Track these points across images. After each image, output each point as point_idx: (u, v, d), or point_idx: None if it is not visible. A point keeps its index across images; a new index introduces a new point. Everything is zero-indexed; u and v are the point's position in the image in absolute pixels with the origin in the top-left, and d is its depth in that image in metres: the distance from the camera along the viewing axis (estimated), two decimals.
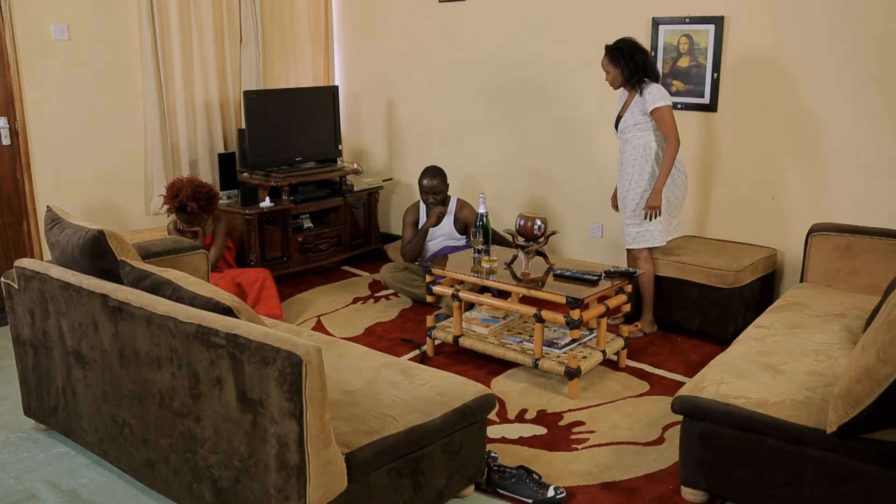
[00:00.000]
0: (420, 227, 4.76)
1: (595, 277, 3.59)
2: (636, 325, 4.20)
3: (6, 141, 4.48)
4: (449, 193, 4.82)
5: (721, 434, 2.57)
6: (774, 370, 2.73)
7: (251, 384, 2.20)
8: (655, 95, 3.84)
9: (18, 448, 3.13)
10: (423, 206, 4.82)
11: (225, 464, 2.35)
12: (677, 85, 4.43)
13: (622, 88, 4.00)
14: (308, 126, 5.38)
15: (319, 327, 4.40)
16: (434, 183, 4.68)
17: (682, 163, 4.05)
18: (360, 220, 5.65)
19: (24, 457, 3.06)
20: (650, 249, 4.12)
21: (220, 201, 4.99)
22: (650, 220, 3.95)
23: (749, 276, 3.99)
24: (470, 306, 4.23)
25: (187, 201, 4.31)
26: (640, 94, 3.87)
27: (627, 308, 3.78)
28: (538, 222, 3.66)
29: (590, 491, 2.78)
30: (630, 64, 3.85)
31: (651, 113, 3.86)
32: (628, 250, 4.15)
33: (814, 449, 2.40)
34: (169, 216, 4.57)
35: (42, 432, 3.25)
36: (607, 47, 3.92)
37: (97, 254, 2.72)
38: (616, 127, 4.04)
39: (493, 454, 2.86)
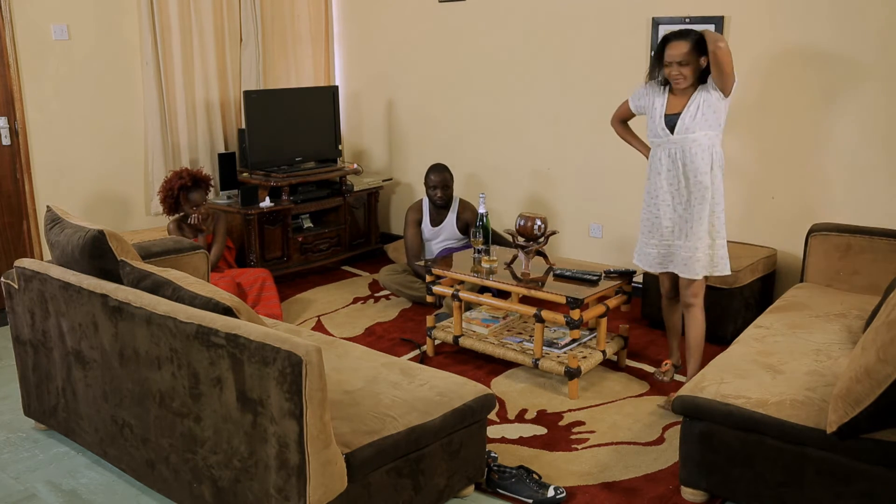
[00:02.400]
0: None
1: (595, 277, 3.59)
2: (666, 364, 3.63)
3: (6, 141, 4.48)
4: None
5: (721, 434, 2.57)
6: (774, 370, 2.73)
7: (251, 384, 2.20)
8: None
9: (18, 448, 3.13)
10: (425, 205, 4.83)
11: (225, 464, 2.35)
12: None
13: (651, 85, 3.36)
14: (308, 126, 5.38)
15: (319, 327, 4.40)
16: (444, 177, 4.71)
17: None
18: (360, 220, 5.65)
19: (24, 457, 3.06)
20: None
21: (220, 201, 5.00)
22: None
23: (749, 276, 3.99)
24: (470, 306, 4.23)
25: (195, 173, 4.39)
26: (707, 86, 3.25)
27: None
28: (538, 222, 3.66)
29: (590, 491, 2.78)
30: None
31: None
32: (691, 281, 3.36)
33: (814, 449, 2.40)
34: (170, 216, 4.56)
35: (42, 432, 3.25)
36: (684, 33, 3.21)
37: (97, 254, 2.72)
38: (670, 129, 3.25)
39: (493, 454, 2.86)
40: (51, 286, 2.86)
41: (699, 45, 3.18)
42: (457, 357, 3.95)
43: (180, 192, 4.39)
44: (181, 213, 4.49)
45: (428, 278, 3.97)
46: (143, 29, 4.88)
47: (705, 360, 3.61)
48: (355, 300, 4.88)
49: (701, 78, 3.26)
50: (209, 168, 5.23)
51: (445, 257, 4.30)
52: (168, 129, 5.08)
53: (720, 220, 3.29)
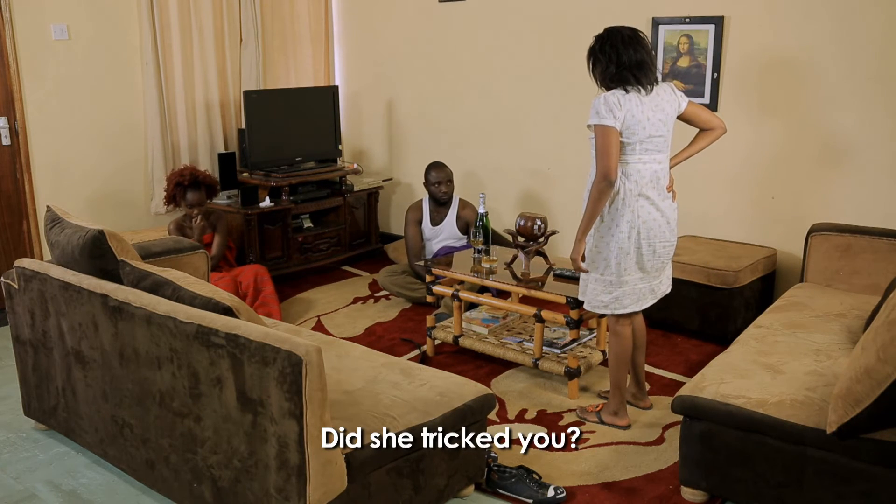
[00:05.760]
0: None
1: None
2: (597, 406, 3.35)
3: (6, 141, 4.48)
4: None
5: (721, 434, 2.57)
6: (774, 370, 2.73)
7: (251, 384, 2.20)
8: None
9: (18, 448, 3.13)
10: (426, 204, 4.84)
11: (225, 464, 2.35)
12: (677, 85, 4.41)
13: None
14: (308, 126, 5.37)
15: (319, 327, 4.40)
16: (445, 172, 4.73)
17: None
18: (360, 220, 5.65)
19: (24, 457, 3.06)
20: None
21: (220, 201, 5.00)
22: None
23: (749, 276, 3.99)
24: (470, 306, 4.23)
25: (196, 171, 4.43)
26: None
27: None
28: (538, 222, 3.66)
29: (590, 491, 2.78)
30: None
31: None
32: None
33: (814, 449, 2.40)
34: (169, 206, 4.59)
35: (42, 432, 3.25)
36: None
37: (97, 254, 2.72)
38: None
39: (493, 454, 2.86)
40: (51, 286, 2.86)
41: (589, 55, 3.03)
42: (457, 357, 3.95)
43: (176, 188, 4.41)
44: (182, 214, 4.50)
45: (428, 278, 3.97)
46: (143, 29, 4.87)
47: (706, 360, 3.61)
48: (355, 300, 4.87)
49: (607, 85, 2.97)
50: (209, 168, 5.23)
51: (446, 256, 4.30)
52: (168, 129, 5.08)
53: (595, 254, 3.02)
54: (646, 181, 2.95)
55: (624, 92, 2.89)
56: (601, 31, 3.08)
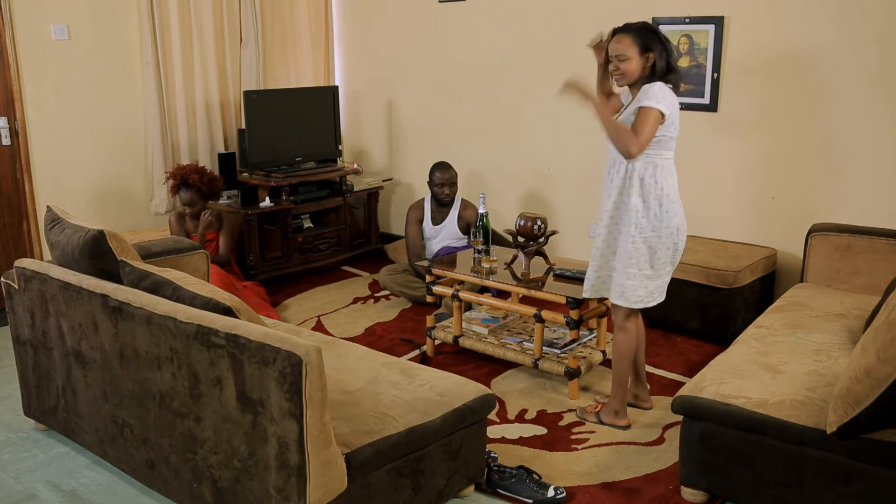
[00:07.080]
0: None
1: None
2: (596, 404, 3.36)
3: (6, 141, 4.48)
4: None
5: (721, 434, 2.57)
6: (774, 370, 2.73)
7: (251, 384, 2.20)
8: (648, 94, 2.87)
9: (18, 448, 3.13)
10: (427, 204, 4.84)
11: (225, 464, 2.35)
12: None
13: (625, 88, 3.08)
14: (308, 126, 5.38)
15: (319, 327, 4.40)
16: (450, 174, 4.73)
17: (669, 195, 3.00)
18: (360, 220, 5.65)
19: (24, 457, 3.06)
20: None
21: (221, 201, 5.00)
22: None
23: (749, 276, 3.99)
24: (470, 306, 4.23)
25: (190, 174, 4.45)
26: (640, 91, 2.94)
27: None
28: (538, 222, 3.66)
29: (590, 491, 2.78)
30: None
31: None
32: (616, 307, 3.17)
33: (814, 449, 2.40)
34: (171, 196, 4.64)
35: (42, 432, 3.25)
36: (627, 26, 2.99)
37: (97, 254, 2.72)
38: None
39: (493, 454, 2.86)
40: (51, 286, 2.86)
41: (645, 38, 2.90)
42: (457, 357, 3.95)
43: (181, 188, 4.48)
44: (181, 210, 4.57)
45: (428, 278, 3.97)
46: (143, 29, 4.87)
47: (706, 360, 3.61)
48: (355, 300, 4.88)
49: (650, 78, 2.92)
50: (210, 168, 5.23)
51: (447, 255, 4.30)
52: (168, 129, 5.08)
53: (637, 250, 2.99)
54: (675, 178, 3.05)
55: (668, 86, 2.93)
56: (642, 22, 3.01)
